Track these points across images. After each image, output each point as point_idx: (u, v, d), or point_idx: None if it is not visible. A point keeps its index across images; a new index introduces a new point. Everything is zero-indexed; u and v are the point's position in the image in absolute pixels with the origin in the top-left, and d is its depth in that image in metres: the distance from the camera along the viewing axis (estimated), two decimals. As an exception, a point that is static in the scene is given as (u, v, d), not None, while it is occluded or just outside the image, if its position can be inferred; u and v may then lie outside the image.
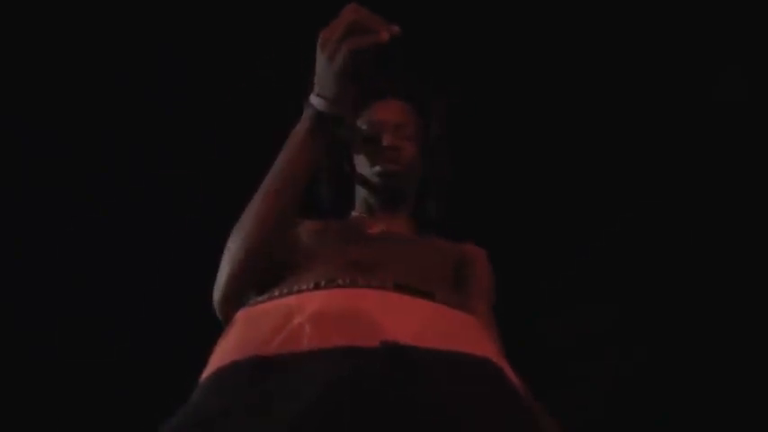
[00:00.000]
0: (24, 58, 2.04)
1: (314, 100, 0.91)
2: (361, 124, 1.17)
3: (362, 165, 1.16)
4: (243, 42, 2.09)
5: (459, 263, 1.09)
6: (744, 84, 2.14)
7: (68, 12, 2.02)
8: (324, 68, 0.89)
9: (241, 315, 0.86)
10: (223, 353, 0.79)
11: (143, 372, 2.04)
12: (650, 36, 2.15)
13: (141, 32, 2.07)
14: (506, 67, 2.17)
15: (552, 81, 2.19)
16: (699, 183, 2.18)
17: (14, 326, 2.06)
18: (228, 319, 0.90)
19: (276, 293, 0.86)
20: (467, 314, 0.90)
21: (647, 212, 2.23)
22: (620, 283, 2.21)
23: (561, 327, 2.19)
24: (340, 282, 0.85)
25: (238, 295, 0.92)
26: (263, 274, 0.92)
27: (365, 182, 1.17)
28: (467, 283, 1.07)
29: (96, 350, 2.08)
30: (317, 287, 0.84)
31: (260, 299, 0.87)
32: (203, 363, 0.82)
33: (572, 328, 2.18)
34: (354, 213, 1.20)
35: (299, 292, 0.84)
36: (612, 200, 2.21)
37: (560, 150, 2.22)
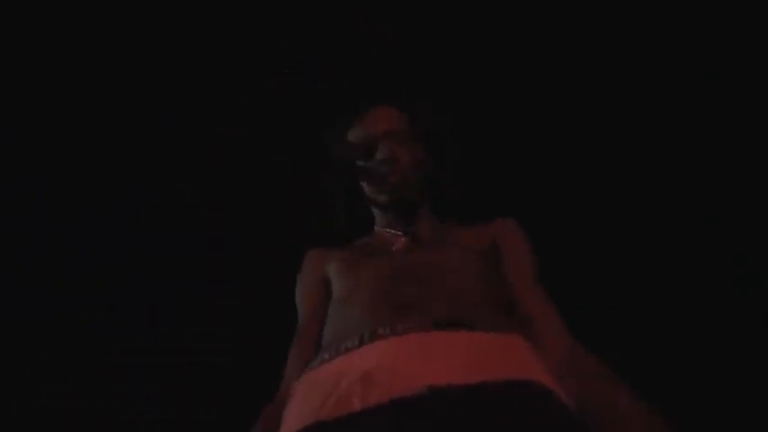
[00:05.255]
0: (24, 57, 2.04)
1: None
2: (354, 139, 1.17)
3: (367, 185, 1.17)
4: (244, 43, 2.09)
5: (492, 247, 1.10)
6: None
7: (68, 12, 2.02)
8: None
9: (298, 387, 0.93)
10: (288, 425, 0.86)
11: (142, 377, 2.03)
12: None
13: (141, 32, 2.07)
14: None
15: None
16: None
17: (13, 325, 2.06)
18: None
19: (326, 356, 0.93)
20: (508, 335, 0.92)
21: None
22: (618, 284, 2.21)
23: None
24: (380, 332, 0.89)
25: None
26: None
27: (374, 202, 1.17)
28: (506, 262, 1.07)
29: (97, 351, 2.08)
30: (360, 343, 0.90)
31: (313, 364, 0.94)
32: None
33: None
34: (377, 228, 1.20)
35: (347, 351, 0.90)
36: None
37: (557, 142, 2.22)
